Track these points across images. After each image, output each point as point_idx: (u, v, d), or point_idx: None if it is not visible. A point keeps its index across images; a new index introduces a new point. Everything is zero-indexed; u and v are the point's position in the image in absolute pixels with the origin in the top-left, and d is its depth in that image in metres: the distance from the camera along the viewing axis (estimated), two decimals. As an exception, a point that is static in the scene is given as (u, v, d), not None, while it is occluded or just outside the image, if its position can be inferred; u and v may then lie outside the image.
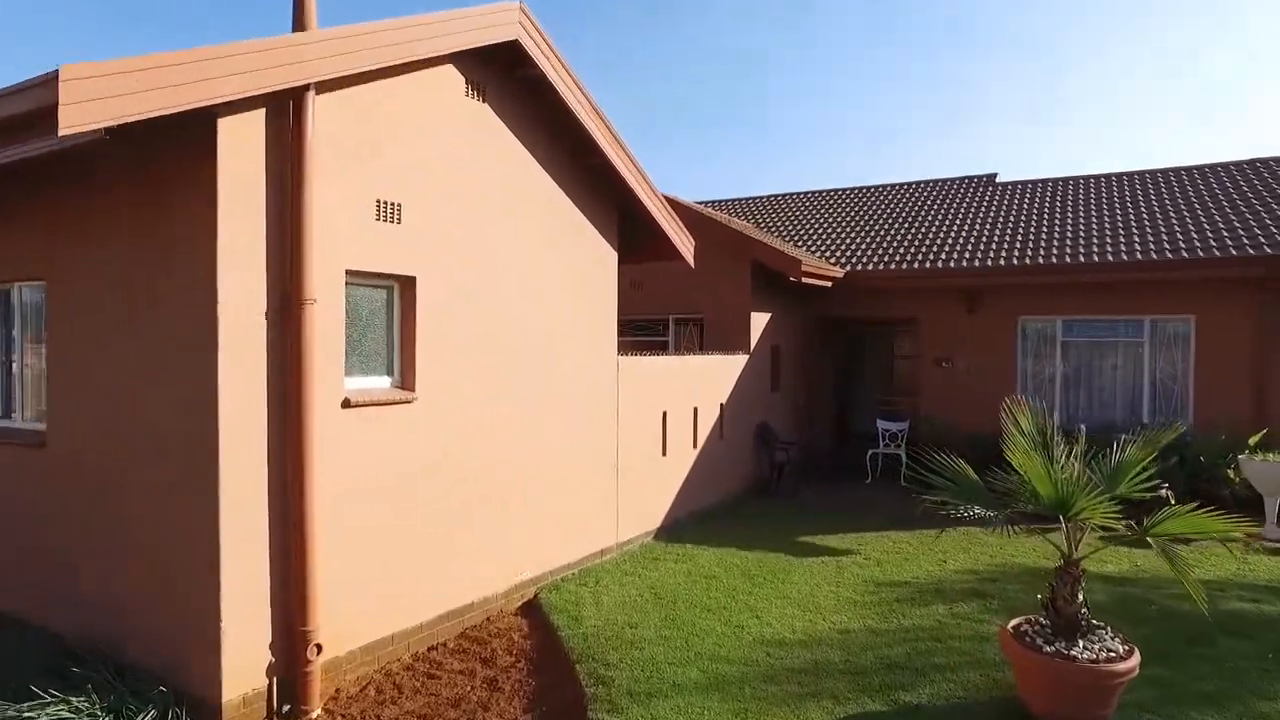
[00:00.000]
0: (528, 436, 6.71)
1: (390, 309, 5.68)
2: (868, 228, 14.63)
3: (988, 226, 13.39)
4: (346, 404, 5.08)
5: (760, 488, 11.33)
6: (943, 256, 12.38)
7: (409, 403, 5.58)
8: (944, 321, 12.43)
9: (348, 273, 5.18)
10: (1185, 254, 10.61)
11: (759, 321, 11.39)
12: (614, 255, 7.92)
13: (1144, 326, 11.30)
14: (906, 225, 14.41)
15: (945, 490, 4.93)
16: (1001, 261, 11.70)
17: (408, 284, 5.68)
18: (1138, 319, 11.33)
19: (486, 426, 6.25)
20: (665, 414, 8.84)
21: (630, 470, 8.19)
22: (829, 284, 11.88)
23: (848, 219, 15.43)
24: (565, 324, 7.19)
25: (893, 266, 12.35)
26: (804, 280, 10.92)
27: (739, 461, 10.85)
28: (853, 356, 16.16)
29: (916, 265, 12.23)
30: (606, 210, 7.79)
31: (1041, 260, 11.45)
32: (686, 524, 9.24)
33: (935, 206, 15.15)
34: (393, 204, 5.45)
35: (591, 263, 7.59)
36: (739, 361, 10.75)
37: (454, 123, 5.99)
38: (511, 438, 6.53)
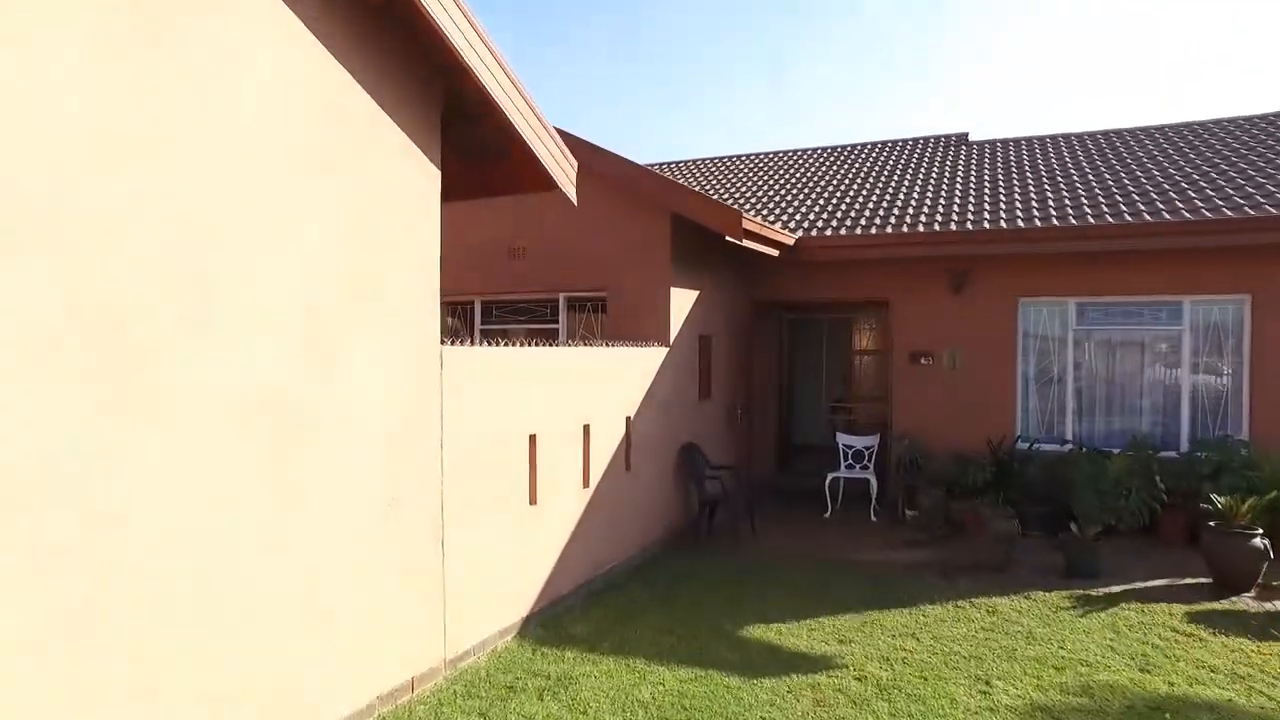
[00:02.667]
0: (243, 491, 3.36)
1: None
2: (821, 191, 11.69)
3: (971, 188, 10.60)
4: None
5: (686, 535, 8.20)
6: (921, 219, 9.50)
7: None
8: (923, 305, 9.56)
9: None
10: (1249, 209, 7.96)
11: (682, 302, 8.27)
12: (434, 175, 4.64)
13: (1183, 311, 8.64)
14: (870, 186, 11.53)
15: None
16: (1002, 223, 8.87)
17: None
18: (1174, 301, 8.67)
19: (119, 486, 2.88)
20: (534, 438, 5.59)
21: (469, 534, 4.92)
22: (776, 252, 8.87)
23: (794, 183, 12.47)
24: (328, 287, 3.88)
25: (857, 231, 9.41)
26: (745, 243, 7.86)
27: (655, 500, 7.69)
28: (800, 351, 13.25)
29: (889, 229, 9.31)
30: (421, 97, 4.51)
31: (1055, 221, 8.67)
32: (573, 606, 6.02)
33: (901, 167, 12.34)
34: None
35: (389, 185, 4.29)
36: (655, 357, 7.60)
37: None
38: (194, 500, 3.18)
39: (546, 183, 5.24)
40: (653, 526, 7.62)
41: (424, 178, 4.55)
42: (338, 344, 3.95)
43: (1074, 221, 8.51)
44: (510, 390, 5.33)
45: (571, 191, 5.39)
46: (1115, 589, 6.46)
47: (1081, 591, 6.40)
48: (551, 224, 8.58)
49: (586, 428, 6.33)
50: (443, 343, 4.69)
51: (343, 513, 3.98)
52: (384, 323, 4.24)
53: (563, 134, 7.78)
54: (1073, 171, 10.57)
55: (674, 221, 7.99)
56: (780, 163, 14.02)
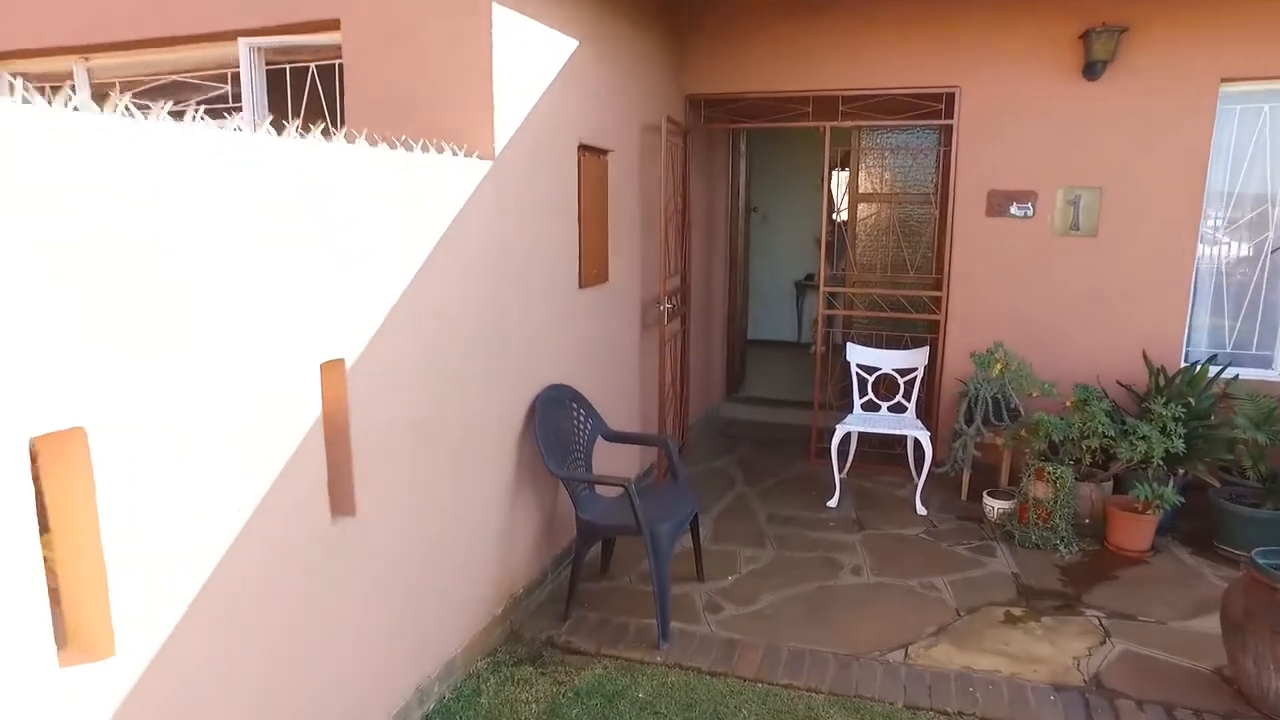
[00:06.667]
0: None
1: None
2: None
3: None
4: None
5: (549, 597, 3.70)
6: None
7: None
8: (1019, 101, 4.95)
9: None
10: None
11: (532, 56, 3.40)
12: None
13: None
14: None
15: None
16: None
17: None
18: None
19: None
20: None
21: None
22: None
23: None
24: None
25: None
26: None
27: (451, 556, 3.09)
28: (762, 192, 8.59)
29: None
30: None
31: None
32: None
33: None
34: None
35: None
36: (450, 183, 2.80)
37: None
38: None
39: None
40: (453, 618, 3.07)
41: None
42: None
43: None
44: None
45: None
46: None
47: None
48: None
49: (61, 444, 1.58)
50: None
51: None
52: None
53: None
54: None
55: None
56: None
